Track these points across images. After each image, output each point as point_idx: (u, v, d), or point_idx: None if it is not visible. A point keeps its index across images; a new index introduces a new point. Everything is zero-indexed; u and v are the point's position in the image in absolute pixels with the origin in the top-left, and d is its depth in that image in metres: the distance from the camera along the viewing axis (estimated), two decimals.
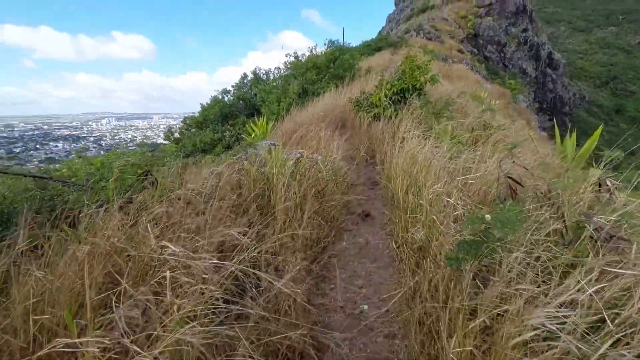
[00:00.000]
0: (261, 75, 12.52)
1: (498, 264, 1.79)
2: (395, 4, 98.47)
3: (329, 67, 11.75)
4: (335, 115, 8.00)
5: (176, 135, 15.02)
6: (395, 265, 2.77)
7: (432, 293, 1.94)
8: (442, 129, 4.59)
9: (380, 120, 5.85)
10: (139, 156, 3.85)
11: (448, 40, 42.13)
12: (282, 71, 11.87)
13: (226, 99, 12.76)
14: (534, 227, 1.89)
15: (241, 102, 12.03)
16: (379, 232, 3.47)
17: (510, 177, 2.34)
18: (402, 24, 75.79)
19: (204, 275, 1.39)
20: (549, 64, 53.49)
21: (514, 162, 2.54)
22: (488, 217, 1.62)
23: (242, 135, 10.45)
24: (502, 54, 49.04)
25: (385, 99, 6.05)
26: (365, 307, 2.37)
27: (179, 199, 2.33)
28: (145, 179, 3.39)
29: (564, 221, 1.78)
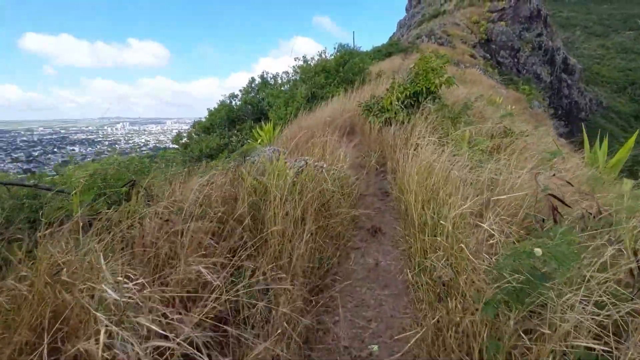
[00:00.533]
0: (269, 79, 12.27)
1: (547, 308, 1.38)
2: (406, 10, 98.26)
3: (338, 71, 11.43)
4: (343, 120, 7.65)
5: (185, 140, 14.90)
6: (410, 294, 2.37)
7: (459, 341, 1.54)
8: (460, 135, 4.18)
9: (391, 126, 5.47)
10: (129, 163, 3.54)
11: (460, 45, 41.58)
12: (290, 75, 11.63)
13: (234, 103, 12.54)
14: (590, 261, 1.48)
15: (248, 106, 11.78)
16: (391, 252, 3.07)
17: (551, 194, 1.93)
18: (413, 29, 75.37)
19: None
20: (564, 69, 52.31)
21: (554, 175, 2.13)
22: (539, 251, 1.22)
23: (249, 140, 10.19)
24: (516, 59, 48.11)
25: (397, 102, 5.67)
26: (375, 347, 1.97)
27: (159, 215, 1.99)
28: (132, 188, 3.07)
29: (638, 260, 1.36)
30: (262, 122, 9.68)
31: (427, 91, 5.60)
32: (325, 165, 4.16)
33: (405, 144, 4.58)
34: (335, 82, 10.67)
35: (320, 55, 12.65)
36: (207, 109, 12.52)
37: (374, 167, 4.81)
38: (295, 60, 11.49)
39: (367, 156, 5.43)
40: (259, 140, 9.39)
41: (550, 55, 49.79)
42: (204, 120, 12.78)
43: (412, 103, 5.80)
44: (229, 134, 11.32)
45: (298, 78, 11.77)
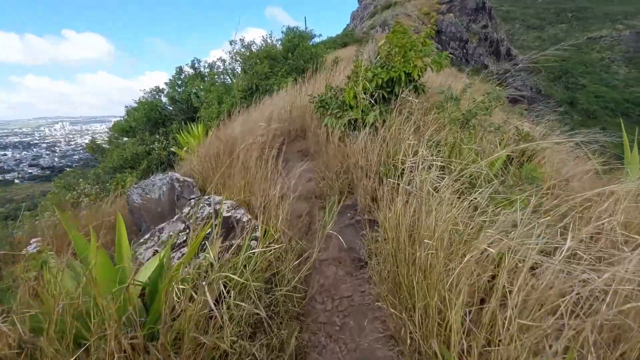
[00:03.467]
0: (202, 69, 9.93)
1: None
2: (359, 1, 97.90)
3: (286, 58, 9.44)
4: (292, 120, 5.73)
5: (105, 145, 12.08)
6: None
7: None
8: (493, 159, 2.48)
9: (359, 131, 3.67)
10: None
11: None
12: (227, 64, 9.42)
13: (164, 99, 10.06)
14: None
15: (177, 103, 9.42)
16: None
17: None
18: (367, 20, 74.96)
19: None
20: (508, 60, 54.57)
21: None
22: None
23: (172, 148, 7.94)
24: (465, 50, 49.25)
25: (363, 96, 3.88)
26: None
27: None
28: None
29: None
30: (193, 123, 7.49)
31: (407, 78, 3.88)
32: (246, 218, 2.24)
33: (385, 166, 2.82)
34: (282, 71, 8.69)
35: (265, 41, 10.52)
36: (125, 107, 9.91)
37: (336, 200, 2.99)
38: (231, 43, 9.28)
39: (324, 179, 3.59)
40: (184, 148, 7.22)
41: (495, 47, 51.62)
42: (123, 121, 10.17)
43: (385, 96, 4.05)
44: (152, 138, 8.92)
45: (238, 67, 9.60)
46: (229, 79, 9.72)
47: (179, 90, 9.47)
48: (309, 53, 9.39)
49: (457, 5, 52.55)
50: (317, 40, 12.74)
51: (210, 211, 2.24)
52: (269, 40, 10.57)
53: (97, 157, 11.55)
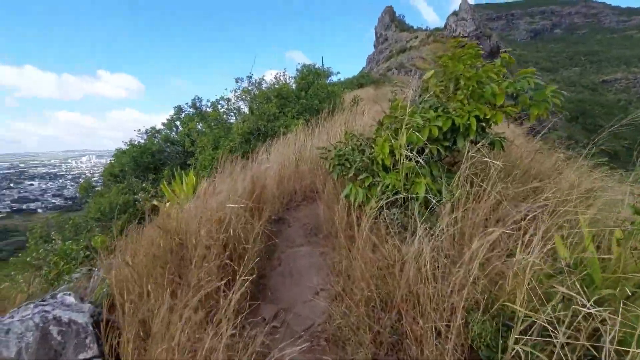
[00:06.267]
0: (204, 108, 8.84)
1: None
2: (375, 46, 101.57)
3: (299, 97, 8.27)
4: (299, 175, 4.29)
5: (98, 187, 10.94)
6: None
7: None
8: None
9: (403, 213, 2.15)
10: None
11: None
12: (231, 103, 8.30)
13: (158, 141, 8.92)
14: None
15: (173, 146, 8.26)
16: None
17: None
18: (382, 63, 76.77)
19: None
20: None
21: None
22: None
23: (158, 200, 6.58)
24: None
25: (408, 152, 2.41)
26: None
27: None
28: None
29: None
30: (184, 171, 6.17)
31: (482, 123, 2.42)
32: None
33: (480, 324, 1.28)
34: (293, 111, 7.45)
35: (277, 79, 9.47)
36: (116, 149, 8.80)
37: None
38: (238, 82, 8.19)
39: (341, 298, 2.01)
40: (165, 203, 5.82)
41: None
42: (113, 163, 9.02)
43: (442, 152, 2.56)
44: (140, 186, 7.64)
45: (244, 106, 8.46)
46: (234, 119, 8.57)
47: (175, 131, 8.36)
48: (324, 91, 8.20)
49: None
50: (334, 78, 11.69)
51: None
52: (281, 78, 9.53)
53: (85, 200, 10.37)
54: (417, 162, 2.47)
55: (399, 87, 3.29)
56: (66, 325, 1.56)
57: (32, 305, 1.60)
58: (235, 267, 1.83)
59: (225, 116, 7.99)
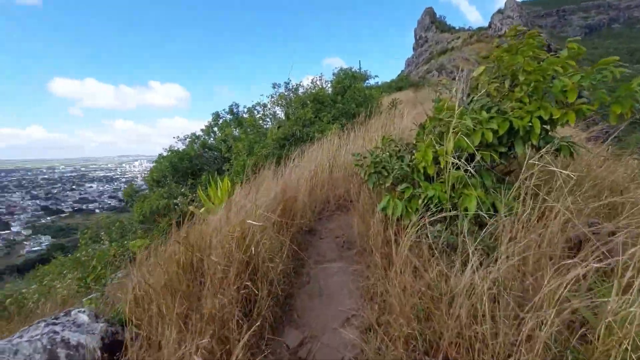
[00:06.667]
0: (240, 113, 8.94)
1: None
2: (414, 48, 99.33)
3: (335, 102, 8.06)
4: (332, 182, 4.05)
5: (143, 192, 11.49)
6: None
7: None
8: None
9: (453, 250, 1.83)
10: None
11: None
12: (267, 108, 8.30)
13: (196, 147, 9.17)
14: None
15: (210, 151, 8.42)
16: None
17: None
18: (422, 65, 74.69)
19: None
20: None
21: None
22: None
23: (194, 204, 6.69)
24: None
25: (455, 160, 2.09)
26: None
27: None
28: None
29: None
30: (220, 176, 6.22)
31: (547, 125, 2.04)
32: None
33: None
34: (329, 116, 7.25)
35: (313, 83, 9.35)
36: (159, 154, 9.16)
37: None
38: (275, 87, 8.16)
39: (373, 330, 1.73)
40: (202, 209, 5.86)
41: None
42: (154, 168, 9.39)
43: (496, 159, 2.20)
44: (179, 191, 7.84)
45: (280, 112, 8.42)
46: (270, 124, 8.56)
47: (213, 137, 8.51)
48: (361, 95, 7.92)
49: None
50: (372, 82, 11.31)
51: None
52: (318, 83, 9.39)
53: (131, 203, 10.89)
54: (465, 170, 2.13)
55: (444, 86, 2.95)
56: (74, 348, 1.44)
57: (42, 324, 1.51)
58: (256, 291, 1.63)
59: (261, 122, 7.99)
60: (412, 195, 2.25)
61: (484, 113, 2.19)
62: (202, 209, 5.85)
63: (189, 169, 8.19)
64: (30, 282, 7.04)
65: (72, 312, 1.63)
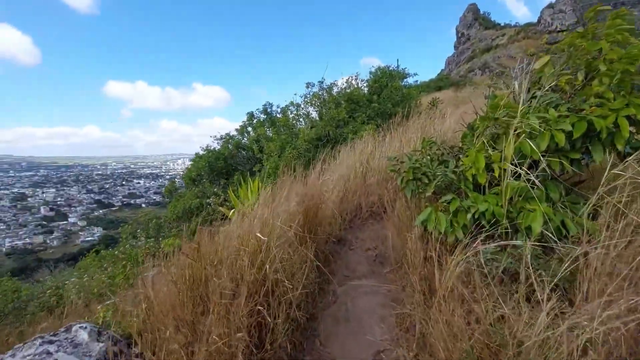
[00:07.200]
0: (274, 113, 8.86)
1: None
2: (455, 47, 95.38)
3: (371, 101, 7.72)
4: (365, 188, 3.75)
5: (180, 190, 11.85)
6: None
7: None
8: None
9: (514, 280, 1.49)
10: None
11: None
12: (300, 108, 8.11)
13: (230, 147, 9.23)
14: None
15: (243, 151, 8.42)
16: None
17: None
18: (463, 64, 71.47)
19: None
20: None
21: None
22: None
23: (226, 204, 6.69)
24: None
25: (517, 168, 1.73)
26: None
27: None
28: None
29: None
30: (252, 177, 6.15)
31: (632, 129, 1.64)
32: None
33: None
34: (363, 116, 6.94)
35: (348, 82, 9.05)
36: (196, 153, 9.33)
37: None
38: (308, 86, 7.97)
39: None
40: (232, 211, 5.80)
41: None
42: (191, 167, 9.58)
43: (565, 166, 1.80)
44: (212, 190, 7.90)
45: (314, 112, 8.22)
46: (303, 124, 8.39)
47: (245, 136, 8.50)
48: (399, 94, 7.51)
49: None
50: (410, 80, 10.77)
51: None
52: (353, 82, 9.08)
53: (170, 201, 11.23)
54: (527, 180, 1.76)
55: (499, 79, 2.56)
56: None
57: (38, 342, 1.39)
58: (268, 318, 1.41)
59: (294, 122, 7.84)
60: (459, 208, 1.91)
61: (552, 111, 1.80)
62: (232, 211, 5.78)
63: (224, 169, 8.25)
64: (72, 274, 7.42)
65: (73, 328, 1.50)
